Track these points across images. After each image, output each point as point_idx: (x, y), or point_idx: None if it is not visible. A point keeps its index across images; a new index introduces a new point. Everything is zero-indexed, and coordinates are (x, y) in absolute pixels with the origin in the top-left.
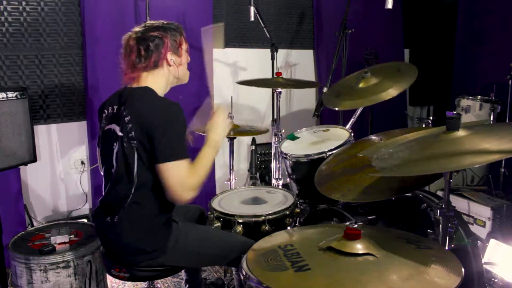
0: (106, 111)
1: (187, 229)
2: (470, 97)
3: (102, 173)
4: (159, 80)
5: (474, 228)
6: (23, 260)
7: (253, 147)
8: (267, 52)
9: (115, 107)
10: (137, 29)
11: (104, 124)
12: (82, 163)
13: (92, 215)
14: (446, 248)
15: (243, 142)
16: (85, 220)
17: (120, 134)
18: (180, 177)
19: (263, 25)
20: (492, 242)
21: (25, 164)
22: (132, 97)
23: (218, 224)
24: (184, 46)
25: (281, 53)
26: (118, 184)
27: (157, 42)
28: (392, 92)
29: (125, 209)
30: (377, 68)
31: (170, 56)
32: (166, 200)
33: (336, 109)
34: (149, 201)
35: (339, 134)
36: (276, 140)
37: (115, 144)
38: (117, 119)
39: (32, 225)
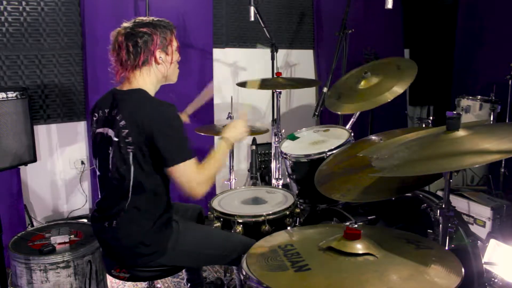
0: (96, 114)
1: (187, 229)
2: (470, 97)
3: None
4: (149, 79)
5: (474, 228)
6: (23, 260)
7: (253, 147)
8: (267, 52)
9: (106, 111)
10: (126, 24)
11: (95, 127)
12: (82, 163)
13: (90, 218)
14: (446, 248)
15: (243, 142)
16: (85, 220)
17: (115, 139)
18: (189, 176)
19: (263, 25)
20: (492, 242)
21: (25, 164)
22: (125, 100)
23: (218, 224)
24: (174, 45)
25: (281, 53)
26: (115, 189)
27: (145, 39)
28: (395, 91)
29: (123, 214)
30: (376, 66)
31: (158, 54)
32: (164, 202)
33: (339, 113)
34: (147, 205)
35: (339, 134)
36: (276, 140)
37: (110, 148)
38: (109, 123)
39: (32, 225)
